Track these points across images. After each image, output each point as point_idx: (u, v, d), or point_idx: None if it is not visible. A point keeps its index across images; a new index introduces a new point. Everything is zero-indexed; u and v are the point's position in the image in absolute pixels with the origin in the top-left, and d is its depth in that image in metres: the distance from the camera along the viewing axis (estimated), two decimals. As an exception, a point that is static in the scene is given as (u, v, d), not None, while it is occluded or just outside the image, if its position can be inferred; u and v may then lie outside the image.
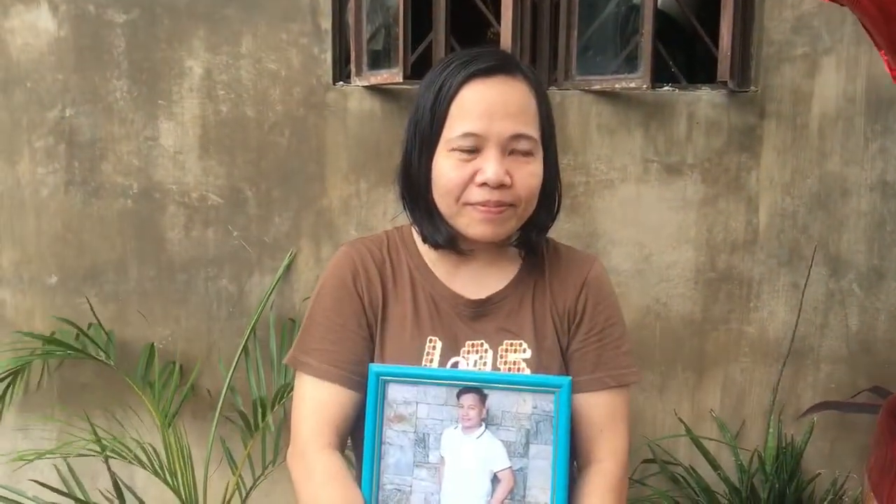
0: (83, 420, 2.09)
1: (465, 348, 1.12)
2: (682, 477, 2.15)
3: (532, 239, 1.14)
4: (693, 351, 2.16)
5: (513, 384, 1.04)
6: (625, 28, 2.10)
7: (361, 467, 1.06)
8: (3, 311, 2.25)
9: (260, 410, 1.96)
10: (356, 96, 2.11)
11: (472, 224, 1.07)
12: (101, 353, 2.07)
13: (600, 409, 1.13)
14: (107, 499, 1.98)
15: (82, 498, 1.99)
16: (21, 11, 2.13)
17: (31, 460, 1.88)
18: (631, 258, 2.13)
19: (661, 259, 2.13)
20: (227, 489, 2.05)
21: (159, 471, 1.95)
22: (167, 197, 2.18)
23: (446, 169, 1.06)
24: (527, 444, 1.03)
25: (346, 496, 1.01)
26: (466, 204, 1.07)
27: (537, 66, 2.16)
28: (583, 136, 2.09)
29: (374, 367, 1.05)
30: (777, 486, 2.06)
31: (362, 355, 1.11)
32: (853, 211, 2.09)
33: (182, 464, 1.97)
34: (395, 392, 1.04)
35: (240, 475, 2.05)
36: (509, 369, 1.11)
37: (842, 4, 1.31)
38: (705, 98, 2.07)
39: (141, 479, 2.18)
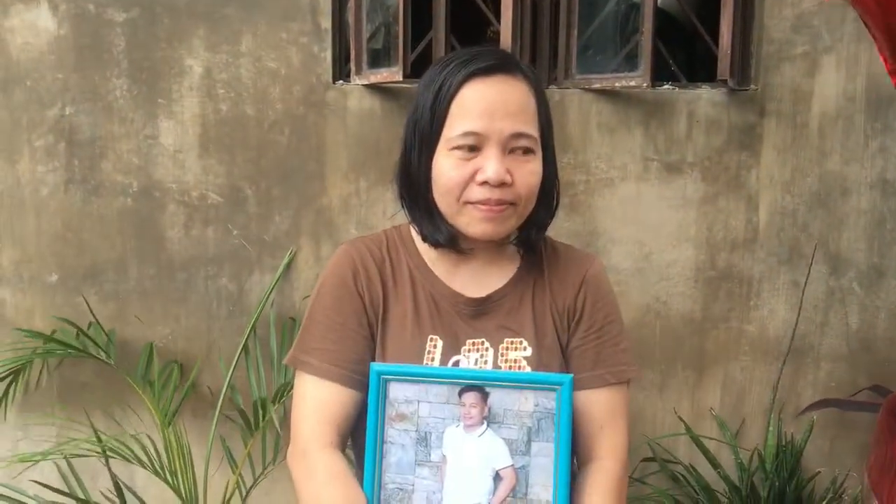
0: (83, 419, 2.09)
1: (466, 347, 1.12)
2: (682, 475, 2.16)
3: (531, 237, 1.15)
4: (693, 349, 2.17)
5: (514, 382, 1.04)
6: (625, 27, 2.10)
7: (362, 466, 1.06)
8: (3, 310, 2.24)
9: (260, 409, 1.96)
10: (356, 95, 2.11)
11: (472, 223, 1.08)
12: (101, 353, 2.07)
13: (600, 405, 1.13)
14: (107, 498, 1.98)
15: (83, 497, 2.00)
16: (21, 10, 2.13)
17: (38, 461, 1.88)
18: (631, 257, 2.13)
19: (661, 257, 2.13)
20: (227, 488, 2.05)
21: (159, 470, 1.95)
22: (167, 196, 2.18)
23: (447, 168, 1.06)
24: (528, 441, 1.03)
25: (348, 496, 1.01)
26: (467, 203, 1.07)
27: (537, 64, 2.16)
28: (583, 135, 2.09)
29: (376, 366, 1.05)
30: (777, 484, 2.06)
31: (363, 354, 1.11)
32: (853, 209, 2.09)
33: (182, 463, 1.97)
34: (397, 391, 1.04)
35: (240, 474, 2.05)
36: (510, 367, 1.11)
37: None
38: (705, 97, 2.07)
39: (141, 479, 2.18)
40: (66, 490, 1.99)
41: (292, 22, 2.10)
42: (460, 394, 1.03)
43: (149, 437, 2.04)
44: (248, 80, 2.13)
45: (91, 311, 2.16)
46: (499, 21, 2.04)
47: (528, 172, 1.08)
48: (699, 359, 2.17)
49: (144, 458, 1.94)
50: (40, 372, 2.24)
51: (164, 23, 2.12)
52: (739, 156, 2.09)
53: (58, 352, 2.05)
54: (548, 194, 1.14)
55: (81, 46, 2.14)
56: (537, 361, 1.11)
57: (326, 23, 2.10)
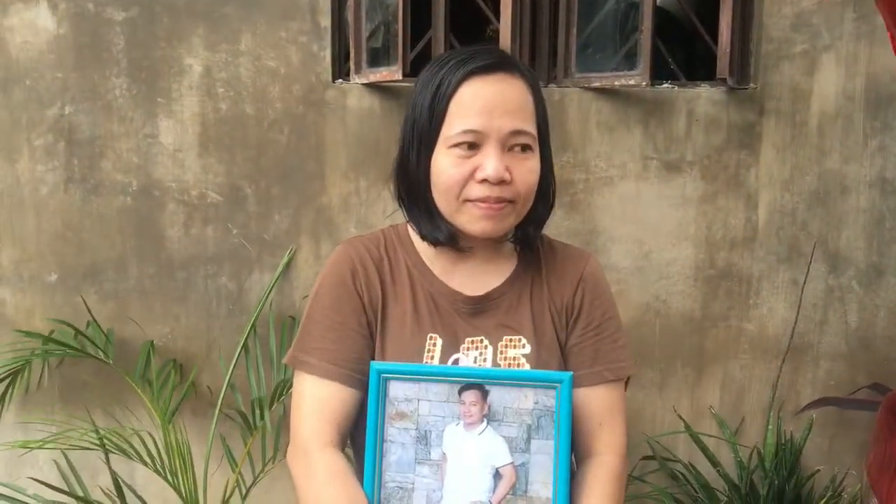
0: (84, 418, 2.09)
1: (465, 345, 1.12)
2: (682, 473, 2.16)
3: (529, 234, 1.15)
4: (692, 348, 2.17)
5: (514, 380, 1.04)
6: (624, 25, 2.10)
7: (361, 465, 1.06)
8: (3, 310, 2.24)
9: (260, 408, 1.96)
10: (355, 94, 2.11)
11: (472, 221, 1.08)
12: (100, 352, 2.07)
13: (599, 402, 1.13)
14: (107, 496, 1.98)
15: (82, 495, 2.00)
16: (20, 9, 2.13)
17: (34, 448, 1.87)
18: (630, 255, 2.14)
19: (660, 256, 2.13)
20: (227, 486, 2.05)
21: (159, 469, 1.95)
22: (167, 195, 2.18)
23: (446, 166, 1.07)
24: (528, 439, 1.03)
25: (349, 495, 1.02)
26: (466, 201, 1.07)
27: (536, 63, 2.16)
28: (582, 134, 2.09)
29: (375, 365, 1.05)
30: (776, 482, 2.06)
31: (362, 353, 1.11)
32: (852, 208, 2.09)
33: (182, 461, 1.97)
34: (397, 389, 1.04)
35: (240, 472, 2.05)
36: (509, 365, 1.11)
37: None
38: (705, 95, 2.07)
39: (141, 477, 2.18)
40: (66, 489, 1.99)
41: (292, 21, 2.10)
42: (460, 392, 1.04)
43: (150, 434, 2.04)
44: (248, 79, 2.13)
45: (89, 311, 2.16)
46: (498, 20, 2.04)
47: (527, 170, 1.08)
48: (699, 357, 2.17)
49: (144, 456, 1.94)
50: (41, 372, 2.24)
51: (163, 22, 2.12)
52: (739, 154, 2.09)
53: (57, 352, 2.05)
54: (545, 192, 1.15)
55: (81, 45, 2.14)
56: (536, 359, 1.12)
57: (326, 22, 2.10)
